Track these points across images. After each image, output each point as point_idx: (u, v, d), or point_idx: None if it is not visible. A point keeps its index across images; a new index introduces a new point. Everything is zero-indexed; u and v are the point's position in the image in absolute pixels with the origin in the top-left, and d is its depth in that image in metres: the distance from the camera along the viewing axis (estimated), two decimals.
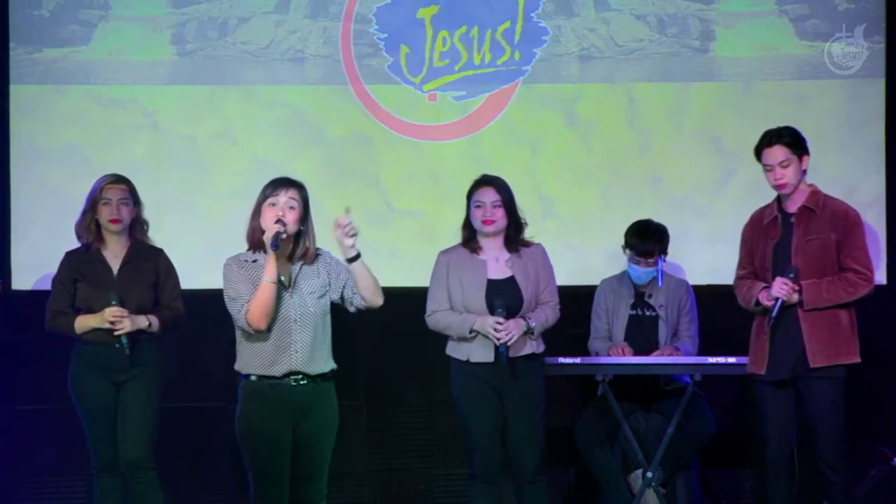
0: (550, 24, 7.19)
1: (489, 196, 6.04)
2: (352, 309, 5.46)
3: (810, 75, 7.17)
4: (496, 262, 6.08)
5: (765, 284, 5.84)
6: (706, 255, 7.12)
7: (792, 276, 5.74)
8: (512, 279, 6.05)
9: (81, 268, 6.01)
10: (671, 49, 7.20)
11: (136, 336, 5.94)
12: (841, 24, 7.15)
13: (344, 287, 5.40)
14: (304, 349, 5.29)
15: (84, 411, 5.99)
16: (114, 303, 5.89)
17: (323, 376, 5.35)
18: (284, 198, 5.29)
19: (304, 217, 5.34)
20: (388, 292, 6.91)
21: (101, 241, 6.04)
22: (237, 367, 5.36)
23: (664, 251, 6.65)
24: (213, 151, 7.18)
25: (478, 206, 6.06)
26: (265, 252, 5.29)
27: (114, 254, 6.05)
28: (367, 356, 7.13)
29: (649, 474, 6.44)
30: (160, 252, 6.17)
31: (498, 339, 5.90)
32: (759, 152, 5.90)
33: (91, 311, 5.95)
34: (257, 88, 7.18)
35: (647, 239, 6.63)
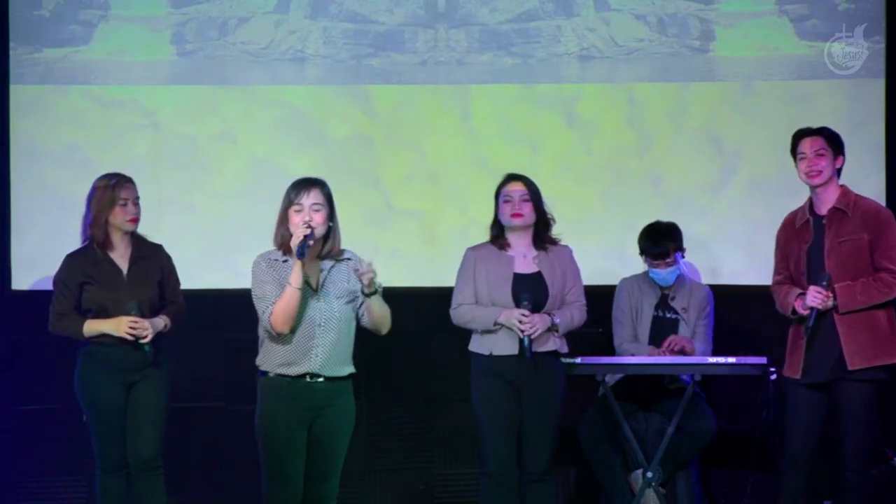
0: (550, 24, 7.20)
1: (518, 191, 6.07)
2: (362, 323, 5.47)
3: (810, 75, 7.17)
4: (524, 258, 6.09)
5: (800, 291, 5.77)
6: (706, 255, 7.12)
7: (825, 283, 5.69)
8: (539, 274, 6.06)
9: (89, 270, 5.98)
10: (671, 49, 7.20)
11: (154, 338, 5.97)
12: (841, 24, 7.15)
13: (358, 299, 5.40)
14: (325, 353, 5.30)
15: (94, 412, 5.98)
16: (133, 313, 5.89)
17: (340, 378, 5.36)
18: (308, 201, 5.26)
19: (331, 214, 5.33)
20: (389, 292, 6.93)
21: (108, 242, 6.02)
22: (257, 362, 5.38)
23: (680, 248, 6.66)
24: (213, 151, 7.18)
25: (506, 201, 6.08)
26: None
27: (120, 254, 6.04)
28: (367, 356, 7.12)
29: (649, 474, 6.44)
30: (160, 248, 6.17)
31: (522, 332, 5.91)
32: (795, 144, 5.86)
33: (104, 311, 5.94)
34: (257, 88, 7.18)
35: (659, 240, 6.63)
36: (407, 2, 7.20)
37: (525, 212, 6.06)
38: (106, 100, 7.14)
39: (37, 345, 6.68)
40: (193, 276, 6.67)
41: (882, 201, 7.06)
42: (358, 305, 5.40)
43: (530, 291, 5.99)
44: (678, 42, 7.20)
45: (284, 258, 5.31)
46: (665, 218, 6.81)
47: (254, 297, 5.34)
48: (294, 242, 5.20)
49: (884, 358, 5.73)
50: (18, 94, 7.10)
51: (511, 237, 6.11)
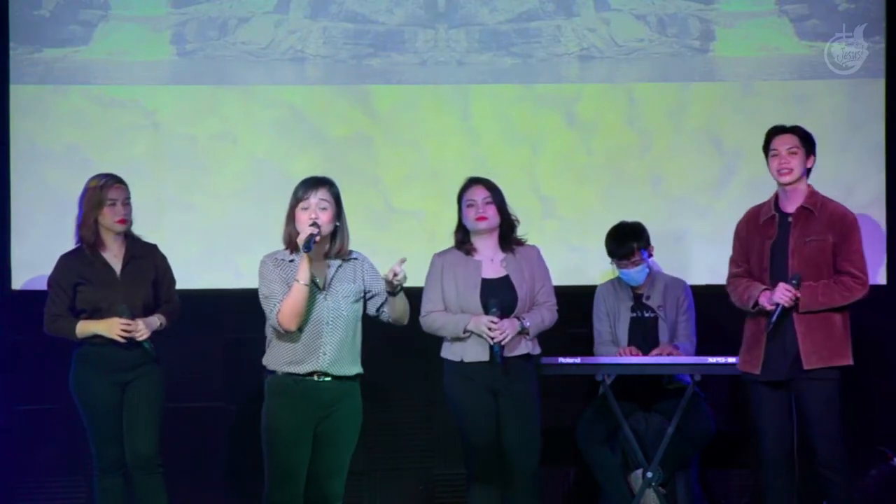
0: (550, 23, 7.20)
1: (480, 194, 6.07)
2: (381, 319, 5.51)
3: (810, 75, 7.17)
4: (491, 262, 6.09)
5: (764, 287, 5.82)
6: (706, 255, 7.12)
7: (795, 282, 5.73)
8: (507, 278, 6.06)
9: (82, 270, 5.99)
10: (671, 49, 7.20)
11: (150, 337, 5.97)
12: (841, 24, 7.15)
13: (378, 296, 5.43)
14: (333, 351, 5.33)
15: (90, 412, 5.99)
16: (124, 316, 5.89)
17: (348, 377, 5.38)
18: (315, 199, 5.30)
19: (338, 213, 5.36)
20: None
21: (100, 242, 6.04)
22: (264, 362, 5.39)
23: (645, 246, 6.64)
24: (213, 151, 7.18)
25: (470, 206, 6.08)
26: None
27: (113, 254, 6.05)
28: (368, 356, 7.12)
29: (649, 474, 6.44)
30: (155, 248, 6.17)
31: (492, 339, 5.91)
32: (768, 141, 5.89)
33: (98, 310, 5.95)
34: (257, 88, 7.18)
35: (622, 241, 6.63)
36: (407, 2, 7.20)
37: (489, 214, 6.06)
38: (106, 100, 7.14)
39: (37, 345, 6.68)
40: (193, 276, 6.67)
41: (882, 201, 7.08)
42: (377, 304, 5.44)
43: (499, 296, 5.99)
44: (678, 42, 7.20)
45: (291, 258, 5.34)
46: (665, 218, 6.81)
47: (261, 296, 5.35)
48: (301, 238, 5.23)
49: (837, 360, 5.77)
50: (18, 94, 7.10)
51: (476, 241, 6.10)
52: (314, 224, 5.24)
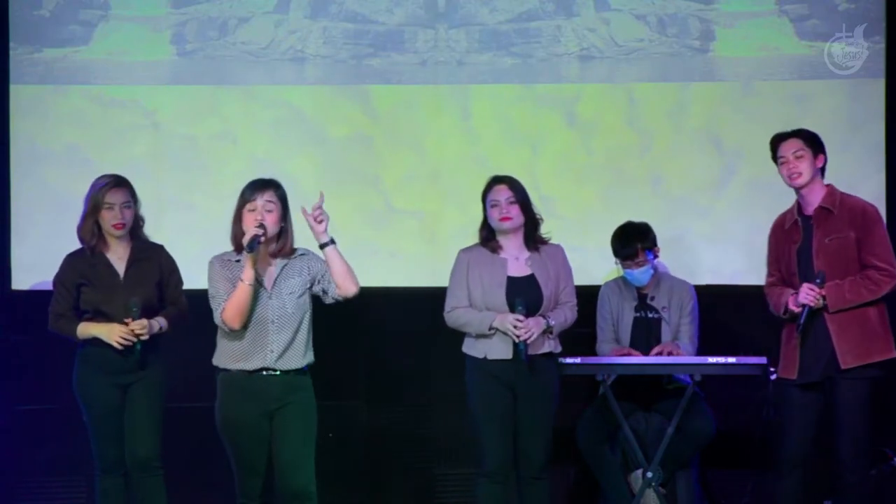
0: (550, 24, 7.20)
1: (503, 194, 6.07)
2: (328, 300, 5.57)
3: (810, 75, 7.17)
4: (516, 260, 6.09)
5: (793, 291, 5.80)
6: (706, 255, 7.13)
7: (819, 281, 5.71)
8: (532, 277, 6.06)
9: (85, 271, 5.99)
10: (671, 49, 7.20)
11: (147, 340, 5.95)
12: (841, 24, 7.15)
13: (323, 277, 5.53)
14: (279, 350, 5.48)
15: (91, 413, 5.99)
16: (135, 310, 5.89)
17: (296, 371, 5.50)
18: (262, 201, 5.46)
19: (284, 215, 5.50)
20: (388, 292, 6.96)
21: (103, 243, 6.03)
22: (214, 362, 5.57)
23: (650, 247, 6.63)
24: (213, 151, 7.18)
25: (493, 206, 6.08)
26: None
27: (117, 255, 6.04)
28: (367, 356, 7.13)
29: (649, 474, 6.44)
30: (161, 249, 6.17)
31: (517, 337, 5.91)
32: (774, 149, 5.88)
33: (100, 312, 5.95)
34: (257, 88, 7.19)
35: (627, 242, 6.62)
36: (407, 2, 7.20)
37: (513, 214, 6.06)
38: (106, 100, 7.14)
39: (37, 345, 6.69)
40: (193, 276, 6.64)
41: (882, 201, 7.07)
42: (326, 287, 5.51)
43: (524, 295, 5.98)
44: (678, 42, 7.20)
45: (237, 258, 5.50)
46: (665, 218, 6.80)
47: (209, 296, 5.53)
48: (245, 239, 5.37)
49: (875, 355, 5.74)
50: (18, 94, 7.10)
51: (502, 239, 6.10)
52: (260, 226, 5.38)
